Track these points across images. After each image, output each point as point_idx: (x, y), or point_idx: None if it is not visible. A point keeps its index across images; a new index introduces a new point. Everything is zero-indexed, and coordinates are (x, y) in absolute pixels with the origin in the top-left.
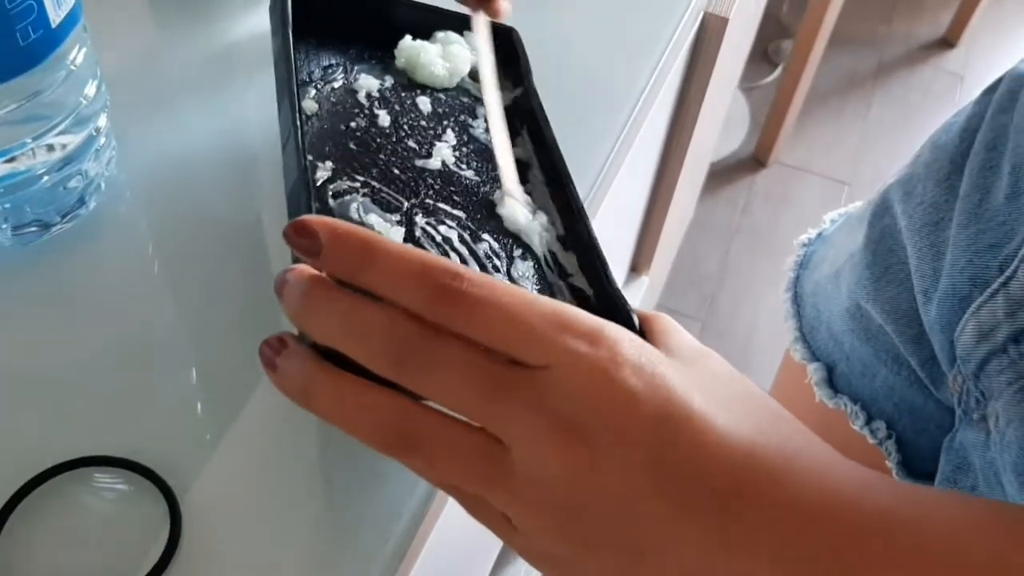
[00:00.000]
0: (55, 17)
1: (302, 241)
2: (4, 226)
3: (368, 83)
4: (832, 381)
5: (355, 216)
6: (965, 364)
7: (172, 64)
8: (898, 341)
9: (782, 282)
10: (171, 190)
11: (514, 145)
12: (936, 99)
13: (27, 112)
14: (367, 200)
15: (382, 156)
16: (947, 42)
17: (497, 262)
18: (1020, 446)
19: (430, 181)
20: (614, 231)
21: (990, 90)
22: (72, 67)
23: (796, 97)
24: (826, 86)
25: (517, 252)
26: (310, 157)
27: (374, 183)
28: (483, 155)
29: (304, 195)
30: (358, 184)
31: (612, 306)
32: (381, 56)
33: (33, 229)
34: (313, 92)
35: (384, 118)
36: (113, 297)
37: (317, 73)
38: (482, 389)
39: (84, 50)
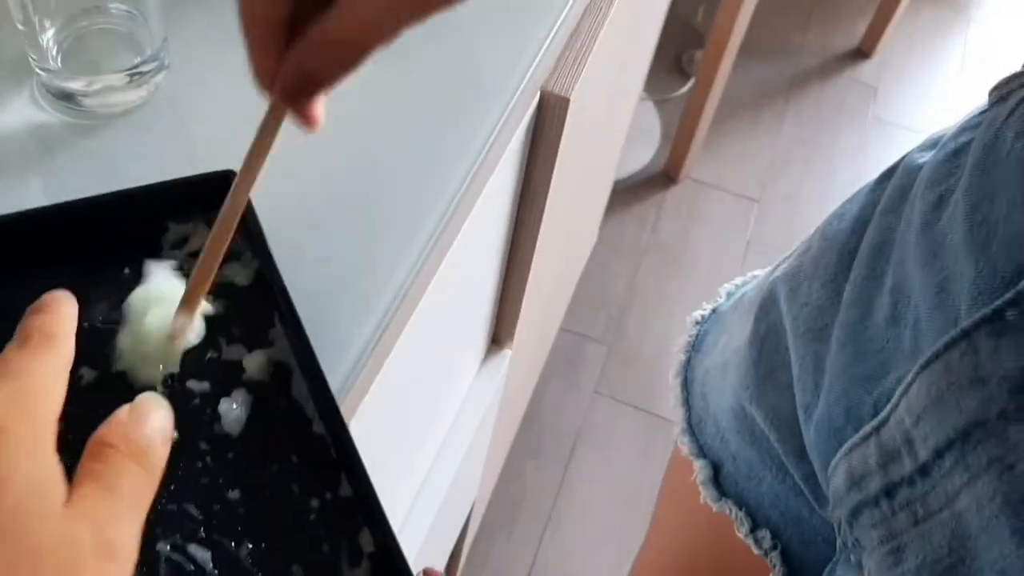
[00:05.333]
0: None
1: None
2: None
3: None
4: (718, 481)
5: None
6: (837, 507)
7: None
8: (780, 451)
9: (693, 308)
10: None
11: (271, 343)
12: (849, 113)
13: None
14: None
15: None
16: (862, 52)
17: None
18: None
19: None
20: (463, 309)
21: (886, 176)
22: None
23: (707, 109)
24: (739, 98)
25: None
26: None
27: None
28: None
29: None
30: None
31: None
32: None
33: None
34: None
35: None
36: None
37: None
38: None
39: None
